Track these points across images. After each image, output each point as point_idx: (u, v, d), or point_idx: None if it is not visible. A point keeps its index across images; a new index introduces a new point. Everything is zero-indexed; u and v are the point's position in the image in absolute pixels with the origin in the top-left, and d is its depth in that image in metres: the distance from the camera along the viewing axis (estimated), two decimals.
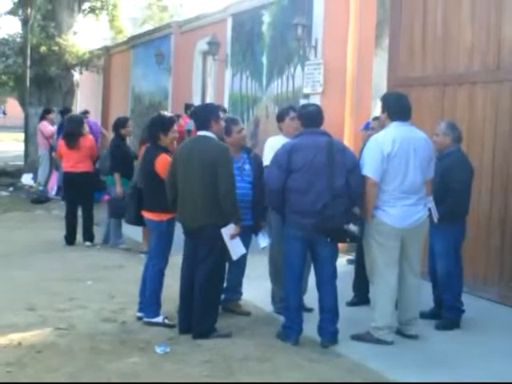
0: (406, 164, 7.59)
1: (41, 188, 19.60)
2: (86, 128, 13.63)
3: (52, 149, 19.38)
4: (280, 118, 8.92)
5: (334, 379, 6.65)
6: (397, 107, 7.84)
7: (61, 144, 13.66)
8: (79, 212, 13.36)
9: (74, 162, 13.22)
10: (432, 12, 11.35)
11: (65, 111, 20.18)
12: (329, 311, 7.67)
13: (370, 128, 9.48)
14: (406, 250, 7.83)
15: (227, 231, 7.64)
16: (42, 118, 20.37)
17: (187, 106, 16.81)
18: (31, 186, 20.26)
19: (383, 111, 7.93)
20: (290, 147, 7.60)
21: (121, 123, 13.03)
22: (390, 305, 7.80)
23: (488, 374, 6.96)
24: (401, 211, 7.61)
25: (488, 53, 10.28)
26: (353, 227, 7.43)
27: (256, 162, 8.67)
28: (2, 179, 22.92)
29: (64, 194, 14.26)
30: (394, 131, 7.68)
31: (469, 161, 8.66)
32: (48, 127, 19.69)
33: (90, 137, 13.72)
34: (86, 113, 18.82)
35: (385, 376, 6.79)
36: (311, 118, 7.79)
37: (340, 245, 8.16)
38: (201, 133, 7.90)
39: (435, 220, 8.17)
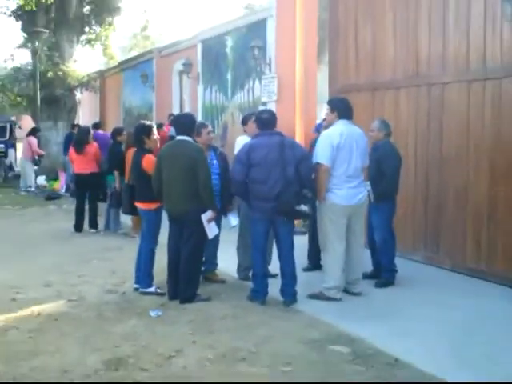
0: (350, 153, 7.68)
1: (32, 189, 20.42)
2: (92, 137, 13.68)
3: (35, 160, 20.04)
4: (244, 121, 8.99)
5: (295, 332, 6.62)
6: (344, 108, 7.92)
7: (71, 151, 13.70)
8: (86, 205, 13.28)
9: (83, 164, 13.25)
10: (362, 32, 11.35)
11: (74, 125, 20.33)
12: (289, 276, 7.68)
13: (322, 127, 9.47)
14: (352, 224, 7.87)
15: (205, 216, 7.67)
16: (32, 134, 20.71)
17: (169, 116, 16.74)
18: (44, 186, 20.11)
19: (332, 112, 7.95)
20: (248, 147, 7.66)
21: (117, 132, 13.13)
22: (339, 269, 7.80)
23: (418, 320, 7.05)
24: (347, 192, 7.68)
25: (408, 63, 10.30)
26: (303, 207, 7.48)
27: (222, 157, 8.69)
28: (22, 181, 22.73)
29: (74, 191, 14.17)
30: (341, 127, 7.75)
31: (397, 151, 8.69)
32: (35, 143, 20.02)
33: (95, 144, 13.73)
34: (97, 124, 18.74)
35: (336, 326, 6.78)
36: (265, 122, 7.81)
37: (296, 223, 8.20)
38: (180, 137, 7.87)
39: (372, 199, 8.24)
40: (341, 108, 7.92)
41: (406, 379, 5.42)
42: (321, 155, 7.63)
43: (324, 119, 9.74)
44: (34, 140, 20.61)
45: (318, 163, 7.64)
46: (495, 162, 8.72)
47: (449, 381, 4.92)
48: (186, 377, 5.49)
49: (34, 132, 21.10)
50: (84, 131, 14.17)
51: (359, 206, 7.87)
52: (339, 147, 7.61)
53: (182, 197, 7.63)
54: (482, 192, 8.91)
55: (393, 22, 10.63)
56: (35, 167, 21.46)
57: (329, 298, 7.78)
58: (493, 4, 8.54)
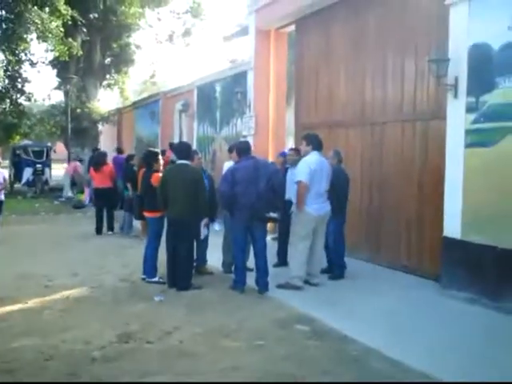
0: (321, 177, 7.81)
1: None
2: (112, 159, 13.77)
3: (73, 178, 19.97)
4: (230, 150, 8.88)
5: (267, 314, 6.60)
6: (317, 143, 8.03)
7: (91, 169, 13.75)
8: (104, 212, 13.17)
9: (100, 181, 13.21)
10: (321, 82, 11.41)
11: (95, 149, 20.16)
12: (262, 270, 7.65)
13: (287, 155, 9.49)
14: (318, 229, 7.93)
15: (202, 222, 7.91)
16: (80, 160, 20.92)
17: (171, 144, 16.65)
18: (73, 197, 19.96)
19: (307, 145, 8.01)
20: (232, 169, 7.72)
21: (130, 157, 13.18)
22: (303, 263, 7.84)
23: (362, 305, 7.05)
24: (318, 206, 7.81)
25: (355, 107, 10.34)
26: (273, 214, 7.68)
27: (209, 178, 8.78)
28: (55, 193, 22.59)
29: (94, 202, 14.06)
30: (315, 157, 7.85)
31: (347, 174, 8.71)
32: (80, 168, 19.99)
33: (110, 164, 13.76)
34: (119, 149, 18.65)
35: (299, 309, 6.77)
36: (241, 149, 7.86)
37: (268, 227, 8.20)
38: (181, 161, 7.86)
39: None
40: (315, 142, 8.01)
41: (352, 352, 5.41)
42: (301, 175, 7.71)
43: (290, 148, 9.86)
44: (79, 165, 20.65)
45: (299, 181, 7.71)
46: (423, 184, 8.76)
47: (445, 380, 4.86)
48: (182, 348, 5.45)
49: (79, 158, 21.29)
50: (101, 154, 14.35)
51: (325, 216, 7.95)
52: (315, 171, 7.70)
53: (184, 207, 7.60)
54: (413, 206, 8.93)
55: (345, 73, 10.68)
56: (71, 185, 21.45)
57: (293, 287, 7.76)
58: (421, 63, 8.60)
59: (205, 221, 8.00)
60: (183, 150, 8.11)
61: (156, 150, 9.38)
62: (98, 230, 12.95)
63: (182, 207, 7.62)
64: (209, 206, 8.07)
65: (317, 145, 8.02)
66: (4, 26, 19.03)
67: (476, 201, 7.24)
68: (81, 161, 21.75)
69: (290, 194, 8.32)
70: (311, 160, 7.80)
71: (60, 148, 30.66)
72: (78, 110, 23.93)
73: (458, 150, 7.44)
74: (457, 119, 7.51)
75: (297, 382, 4.65)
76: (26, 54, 21.31)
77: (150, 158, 8.72)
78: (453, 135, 7.58)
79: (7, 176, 12.69)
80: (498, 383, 4.77)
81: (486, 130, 7.10)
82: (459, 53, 7.43)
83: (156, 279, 8.13)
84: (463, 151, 7.38)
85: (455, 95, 7.52)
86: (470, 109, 7.31)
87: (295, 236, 7.93)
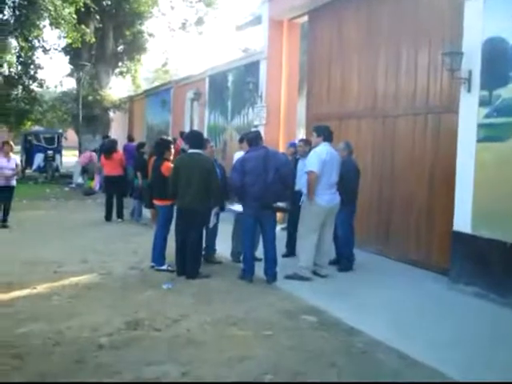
0: (331, 167, 7.83)
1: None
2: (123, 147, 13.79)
3: (84, 167, 19.62)
4: (240, 140, 8.97)
5: (275, 304, 6.60)
6: (327, 134, 8.04)
7: (102, 157, 13.78)
8: (114, 200, 13.21)
9: (111, 168, 13.25)
10: (333, 72, 11.37)
11: (105, 136, 20.19)
12: (271, 260, 7.67)
13: (297, 146, 9.50)
14: (327, 220, 7.93)
15: (213, 211, 7.95)
16: (94, 151, 20.26)
17: (181, 133, 16.64)
18: (83, 184, 20.03)
19: (318, 136, 8.02)
20: (242, 159, 7.70)
21: (141, 146, 13.25)
22: (311, 254, 7.85)
23: (370, 297, 7.03)
24: (328, 197, 7.83)
25: (368, 99, 10.30)
26: (281, 204, 7.64)
27: (220, 167, 8.76)
28: (65, 180, 22.64)
29: (104, 189, 14.11)
30: (326, 148, 7.86)
31: (357, 166, 8.69)
32: (95, 158, 19.50)
33: (120, 152, 13.78)
34: (130, 137, 18.68)
35: (307, 300, 6.76)
36: (251, 139, 7.85)
37: (278, 217, 8.20)
38: (193, 150, 7.84)
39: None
40: (325, 133, 8.03)
41: (359, 344, 5.40)
42: (312, 165, 7.72)
43: (301, 139, 9.84)
44: (94, 155, 20.32)
45: (310, 171, 7.71)
46: (433, 177, 8.72)
47: (451, 375, 4.81)
48: (189, 336, 5.46)
49: (95, 150, 20.90)
50: (112, 142, 14.35)
51: (334, 207, 7.94)
52: (325, 162, 7.70)
53: (196, 196, 7.59)
54: (423, 199, 8.91)
55: (357, 65, 10.63)
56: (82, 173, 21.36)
57: (301, 278, 7.77)
58: (435, 56, 8.54)
59: (215, 209, 8.02)
60: (195, 138, 8.08)
61: (169, 138, 9.35)
62: (108, 217, 13.00)
63: (194, 197, 7.60)
64: (220, 196, 8.08)
65: (327, 136, 8.02)
66: (17, 12, 19.08)
67: (487, 195, 7.19)
68: (95, 151, 21.77)
69: (300, 185, 8.32)
70: (322, 151, 7.80)
71: (71, 135, 30.76)
72: (90, 98, 23.99)
73: (470, 145, 7.39)
74: (469, 113, 7.45)
75: (296, 381, 4.63)
76: (38, 41, 21.40)
77: (162, 147, 8.68)
78: (465, 129, 7.53)
79: (19, 162, 12.69)
80: (502, 383, 4.73)
81: (498, 124, 7.04)
82: (473, 46, 7.36)
83: (165, 267, 8.13)
84: (475, 145, 7.33)
85: (468, 89, 7.46)
86: (483, 103, 7.25)
87: (304, 227, 7.92)
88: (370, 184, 9.93)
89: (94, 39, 21.57)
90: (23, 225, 12.04)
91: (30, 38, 19.82)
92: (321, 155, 7.73)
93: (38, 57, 23.33)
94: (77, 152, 23.83)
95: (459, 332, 5.87)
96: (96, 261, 8.70)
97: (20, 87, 22.55)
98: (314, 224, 7.82)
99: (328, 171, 7.76)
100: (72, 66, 25.78)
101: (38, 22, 18.74)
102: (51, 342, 5.23)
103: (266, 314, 6.24)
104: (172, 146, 8.79)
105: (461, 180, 7.58)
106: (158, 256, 8.23)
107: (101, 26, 23.99)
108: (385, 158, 9.81)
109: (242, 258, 8.07)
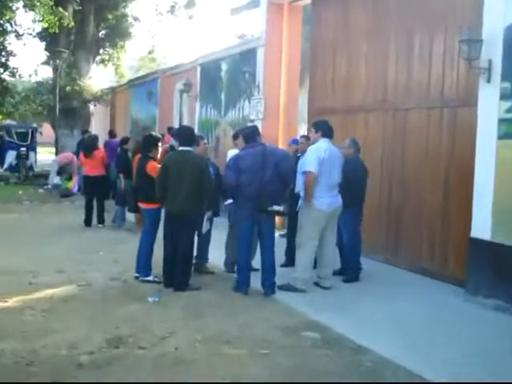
0: (331, 167, 7.79)
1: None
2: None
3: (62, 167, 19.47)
4: (235, 136, 8.94)
5: (273, 319, 6.60)
6: (326, 129, 8.03)
7: (81, 155, 13.67)
8: (94, 202, 13.17)
9: (91, 167, 13.15)
10: (338, 61, 11.39)
11: (85, 132, 20.12)
12: (269, 269, 7.65)
13: (299, 142, 9.54)
14: (329, 226, 7.92)
15: (205, 215, 7.92)
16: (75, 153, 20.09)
17: (169, 128, 16.65)
18: (59, 185, 19.99)
19: (316, 132, 8.05)
20: (236, 157, 7.72)
21: (124, 141, 13.16)
22: (309, 265, 7.88)
23: (378, 311, 7.06)
24: (329, 200, 7.79)
25: (377, 91, 10.32)
26: (276, 207, 7.56)
27: (214, 166, 8.76)
28: (40, 180, 22.58)
29: (84, 191, 14.09)
30: (325, 144, 7.85)
31: (364, 165, 8.72)
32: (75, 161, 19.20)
33: (102, 149, 13.71)
34: (111, 132, 18.65)
35: (309, 315, 6.77)
36: (249, 135, 7.86)
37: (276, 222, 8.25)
38: (183, 148, 7.81)
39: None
40: (324, 128, 8.03)
41: (366, 363, 5.41)
42: (309, 164, 7.71)
43: (302, 136, 9.87)
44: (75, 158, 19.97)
45: (307, 171, 7.71)
46: (449, 178, 8.74)
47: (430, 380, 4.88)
48: (178, 355, 5.46)
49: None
50: (92, 139, 14.22)
51: (336, 211, 7.93)
52: (323, 161, 7.68)
53: (187, 198, 7.55)
54: (437, 202, 8.92)
55: (365, 53, 10.66)
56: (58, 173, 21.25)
57: (295, 289, 7.77)
58: (451, 43, 8.57)
59: (208, 214, 7.98)
60: (186, 135, 8.06)
61: (158, 135, 9.33)
62: (87, 222, 12.95)
63: (185, 200, 7.57)
64: (214, 198, 8.09)
65: (326, 131, 8.01)
66: None
67: (509, 198, 7.21)
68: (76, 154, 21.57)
69: (298, 186, 8.31)
70: (320, 148, 7.80)
71: (47, 130, 30.68)
72: (68, 88, 23.91)
73: (490, 142, 7.41)
74: (489, 107, 7.47)
75: (296, 381, 4.64)
76: (11, 25, 21.37)
77: (149, 144, 8.64)
78: (484, 124, 7.55)
79: None
80: (502, 383, 4.77)
81: None
82: (494, 34, 7.38)
83: (151, 278, 8.12)
84: (495, 142, 7.35)
85: (488, 80, 7.48)
86: (504, 95, 7.27)
87: (303, 234, 7.90)
88: (379, 185, 9.95)
89: (72, 23, 21.54)
90: None
91: (2, 22, 19.82)
92: (319, 153, 7.72)
93: (11, 42, 23.12)
94: (53, 149, 23.76)
95: (477, 350, 5.88)
96: (74, 270, 8.69)
97: None
98: (312, 231, 7.80)
99: (327, 171, 7.73)
100: (48, 53, 25.66)
101: (10, 4, 18.75)
102: (24, 361, 5.22)
103: (262, 330, 6.25)
104: (159, 144, 8.79)
105: (479, 181, 7.59)
106: (144, 265, 8.21)
107: (80, 8, 23.98)
108: (395, 155, 9.82)
109: (236, 267, 8.06)
